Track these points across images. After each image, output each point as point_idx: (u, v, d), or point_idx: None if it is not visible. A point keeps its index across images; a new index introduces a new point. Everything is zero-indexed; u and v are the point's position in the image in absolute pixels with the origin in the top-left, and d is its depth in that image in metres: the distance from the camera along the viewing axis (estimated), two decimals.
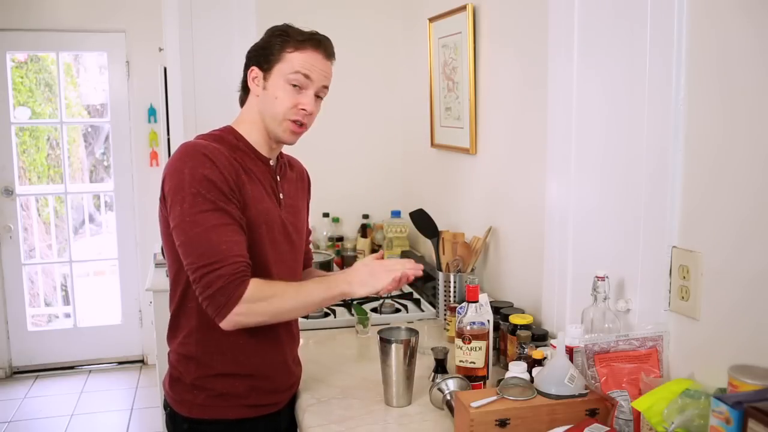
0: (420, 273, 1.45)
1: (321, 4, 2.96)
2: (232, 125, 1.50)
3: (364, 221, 3.08)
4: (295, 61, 1.42)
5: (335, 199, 3.03)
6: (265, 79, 1.44)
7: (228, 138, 1.45)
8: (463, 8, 2.26)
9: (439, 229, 2.25)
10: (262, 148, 1.48)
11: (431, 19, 2.58)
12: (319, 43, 1.44)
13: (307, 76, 1.42)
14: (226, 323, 1.33)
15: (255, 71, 1.46)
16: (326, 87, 1.47)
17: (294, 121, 1.44)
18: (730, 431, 0.93)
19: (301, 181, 1.65)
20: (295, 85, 1.42)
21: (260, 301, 1.33)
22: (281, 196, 1.52)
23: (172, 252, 1.41)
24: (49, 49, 4.19)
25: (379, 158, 3.17)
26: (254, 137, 1.48)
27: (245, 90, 1.51)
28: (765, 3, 1.10)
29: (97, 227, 4.64)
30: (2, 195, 4.17)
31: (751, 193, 1.13)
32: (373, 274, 1.41)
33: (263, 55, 1.45)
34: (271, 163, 1.51)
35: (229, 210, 1.34)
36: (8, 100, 4.11)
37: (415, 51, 2.87)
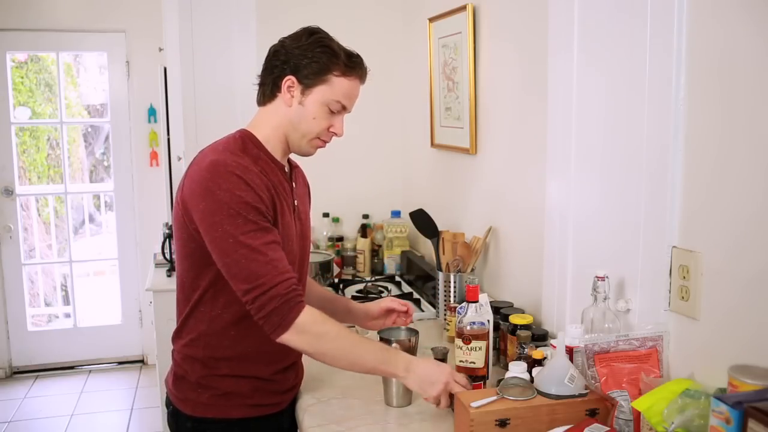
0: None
1: (321, 5, 2.96)
2: (249, 129, 1.46)
3: (364, 221, 3.08)
4: (338, 89, 1.41)
5: (335, 199, 3.03)
6: (303, 93, 1.41)
7: (249, 147, 1.42)
8: (463, 8, 2.26)
9: (439, 229, 2.25)
10: (277, 155, 1.47)
11: (431, 19, 2.58)
12: (364, 74, 1.46)
13: (345, 107, 1.44)
14: (279, 340, 1.33)
15: (292, 81, 1.40)
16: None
17: (322, 140, 1.47)
18: (730, 431, 0.93)
19: (305, 186, 1.65)
20: (332, 110, 1.43)
21: (309, 334, 1.33)
22: (296, 203, 1.51)
23: (191, 257, 1.40)
24: (49, 49, 4.19)
25: (379, 158, 3.17)
26: (272, 144, 1.45)
27: (272, 91, 1.44)
28: (766, 1, 1.10)
29: (97, 227, 4.64)
30: (2, 195, 4.17)
31: (752, 193, 1.13)
32: (432, 384, 1.37)
33: (305, 66, 1.39)
34: (286, 169, 1.51)
35: (269, 228, 1.34)
36: (8, 100, 4.11)
37: (415, 51, 2.87)
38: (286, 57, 1.41)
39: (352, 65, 1.43)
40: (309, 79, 1.40)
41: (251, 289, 1.30)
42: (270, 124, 1.45)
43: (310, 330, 1.33)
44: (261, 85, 1.47)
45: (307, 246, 1.58)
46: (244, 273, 1.30)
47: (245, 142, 1.43)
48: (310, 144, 1.46)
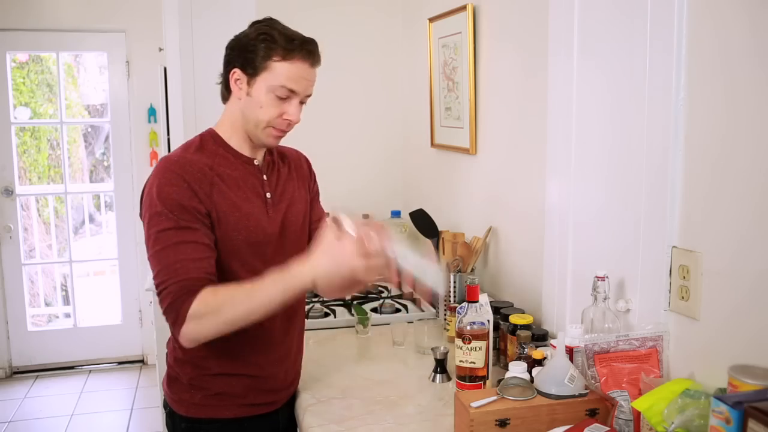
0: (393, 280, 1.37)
1: (320, 4, 2.95)
2: (214, 128, 1.48)
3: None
4: (280, 73, 1.36)
5: (335, 198, 3.01)
6: (249, 84, 1.39)
7: (208, 144, 1.44)
8: (463, 8, 2.26)
9: (439, 229, 2.25)
10: (245, 150, 1.46)
11: (431, 19, 2.58)
12: (308, 54, 1.39)
13: (292, 91, 1.39)
14: (183, 341, 1.30)
15: (238, 74, 1.40)
16: (310, 95, 1.44)
17: (277, 128, 1.42)
18: (730, 431, 0.93)
19: (298, 170, 1.60)
20: (280, 97, 1.39)
21: (207, 315, 1.27)
22: (268, 195, 1.47)
23: None
24: (50, 49, 4.19)
25: (379, 158, 3.16)
26: (235, 140, 1.45)
27: (226, 87, 1.45)
28: (765, 2, 1.10)
29: (97, 227, 4.64)
30: (2, 195, 4.17)
31: (752, 193, 1.13)
32: (342, 289, 1.27)
33: (247, 58, 1.38)
34: (256, 162, 1.48)
35: (193, 227, 1.32)
36: (8, 100, 4.12)
37: (415, 51, 2.87)
38: (233, 51, 1.42)
39: (291, 48, 1.37)
40: (252, 69, 1.38)
41: (157, 284, 1.32)
42: (230, 120, 1.46)
43: (205, 311, 1.27)
44: (221, 82, 1.47)
45: (291, 238, 1.51)
46: (155, 268, 1.32)
47: (204, 140, 1.45)
48: (265, 133, 1.42)
